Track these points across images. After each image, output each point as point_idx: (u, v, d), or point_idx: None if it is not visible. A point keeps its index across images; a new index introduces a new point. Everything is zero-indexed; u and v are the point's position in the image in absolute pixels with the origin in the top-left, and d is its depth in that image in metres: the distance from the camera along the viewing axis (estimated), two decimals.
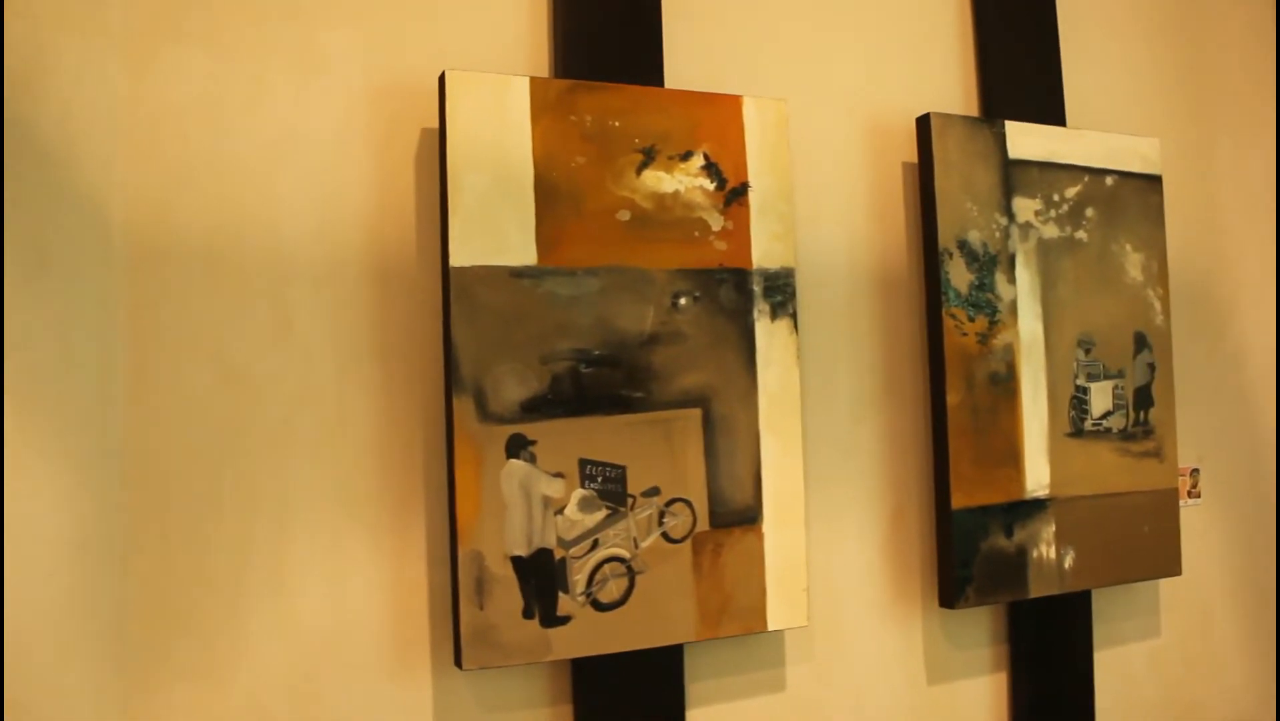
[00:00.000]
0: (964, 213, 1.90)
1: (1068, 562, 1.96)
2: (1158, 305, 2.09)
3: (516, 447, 1.58)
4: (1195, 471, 2.25)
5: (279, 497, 1.54)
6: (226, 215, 1.54)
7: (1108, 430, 2.02)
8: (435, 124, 1.61)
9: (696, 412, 1.70)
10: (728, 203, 1.74)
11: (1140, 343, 2.07)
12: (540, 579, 1.59)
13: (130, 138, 1.49)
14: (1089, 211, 2.02)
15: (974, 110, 2.07)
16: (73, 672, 1.42)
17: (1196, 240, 2.31)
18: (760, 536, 1.73)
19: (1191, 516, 2.24)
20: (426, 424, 1.62)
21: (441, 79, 1.57)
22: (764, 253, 1.76)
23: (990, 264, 1.92)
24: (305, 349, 1.57)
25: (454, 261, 1.56)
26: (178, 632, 1.48)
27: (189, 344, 1.51)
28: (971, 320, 1.89)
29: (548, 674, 1.68)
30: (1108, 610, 2.12)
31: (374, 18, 1.64)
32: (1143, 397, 2.06)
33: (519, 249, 1.60)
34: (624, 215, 1.67)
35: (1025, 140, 1.97)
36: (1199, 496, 2.25)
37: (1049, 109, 2.07)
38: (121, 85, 1.49)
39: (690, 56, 1.83)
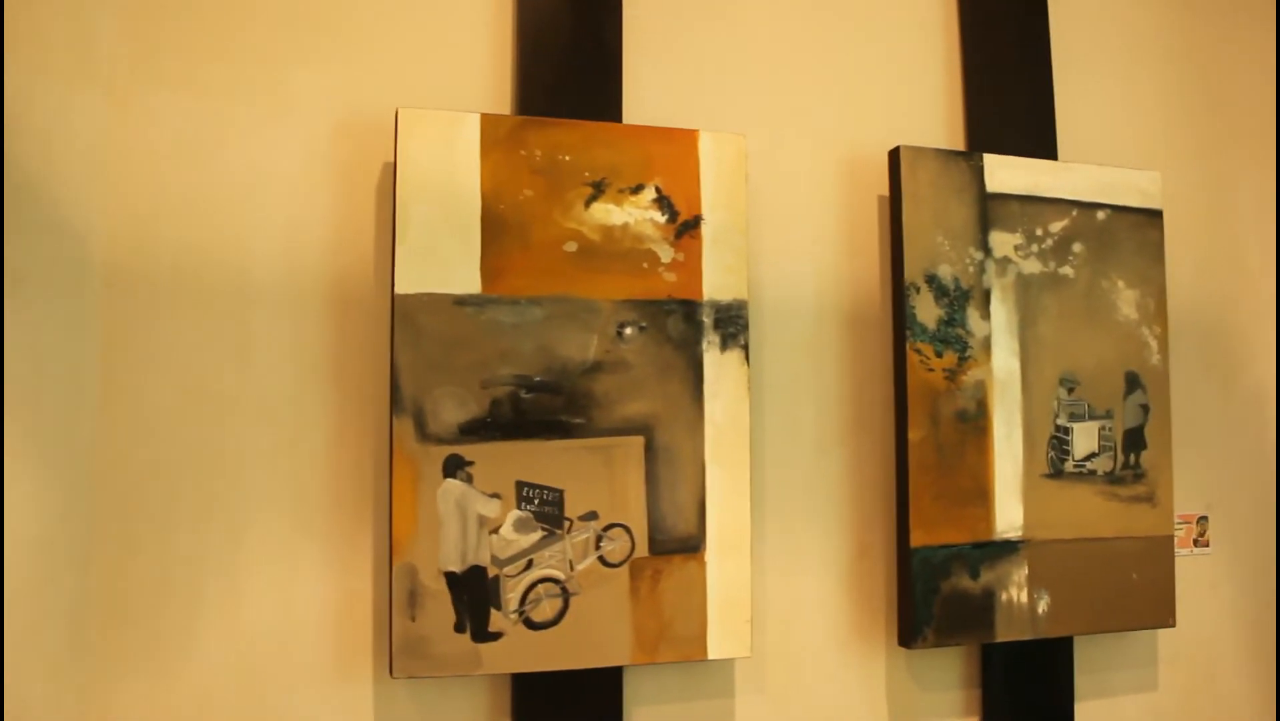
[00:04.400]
0: (934, 246, 1.87)
1: (1042, 607, 1.90)
2: (1154, 344, 2.01)
3: (454, 467, 1.65)
4: (1203, 519, 2.15)
5: (235, 508, 1.65)
6: (196, 244, 1.66)
7: (1092, 472, 1.95)
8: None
9: (638, 440, 1.73)
10: (679, 235, 1.77)
11: (1133, 383, 1.99)
12: (473, 595, 1.65)
13: (110, 171, 1.63)
14: (1076, 246, 1.96)
15: (960, 143, 2.04)
16: (30, 662, 1.55)
17: (1208, 278, 2.20)
18: (703, 565, 1.75)
19: (1198, 566, 2.14)
20: (375, 443, 1.71)
21: (397, 115, 1.66)
22: (716, 284, 1.78)
23: (962, 299, 1.88)
24: (265, 370, 1.68)
25: (399, 289, 1.64)
26: (134, 631, 1.60)
27: (157, 362, 1.63)
28: (939, 355, 1.87)
29: (488, 687, 1.73)
30: (1096, 659, 2.04)
31: (342, 58, 1.75)
32: (1134, 440, 1.98)
33: (463, 278, 1.67)
34: (571, 246, 1.72)
35: (1005, 173, 1.93)
36: (1207, 546, 2.14)
37: (1040, 142, 2.03)
38: (103, 122, 1.63)
39: (652, 93, 1.87)
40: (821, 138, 1.97)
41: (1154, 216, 2.03)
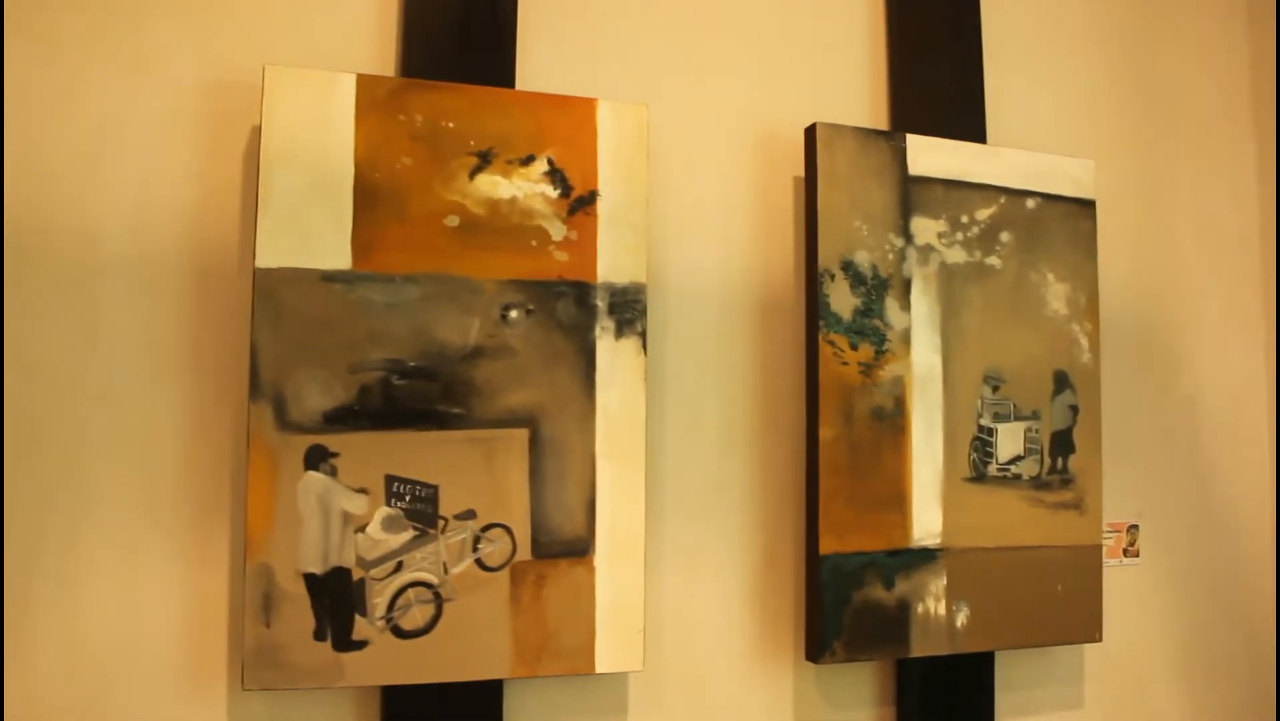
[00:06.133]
0: (850, 231, 1.75)
1: (961, 620, 1.78)
2: (1084, 341, 1.89)
3: (317, 459, 1.51)
4: (1133, 528, 2.03)
5: (74, 499, 1.49)
6: (35, 207, 1.50)
7: (1017, 476, 1.83)
8: None
9: (523, 433, 1.59)
10: (572, 211, 1.63)
11: (1061, 382, 1.87)
12: (335, 599, 1.50)
13: None
14: (1004, 235, 1.85)
15: (883, 123, 1.92)
16: None
17: (1144, 274, 2.10)
18: (591, 570, 1.61)
19: (1128, 577, 2.02)
20: (234, 431, 1.56)
21: (264, 73, 1.51)
22: (611, 266, 1.64)
23: (880, 288, 1.76)
24: (111, 348, 1.53)
25: (260, 262, 1.49)
26: None
27: None
28: (854, 348, 1.74)
29: (355, 700, 1.59)
30: (1017, 676, 1.92)
31: (211, 9, 1.60)
32: (1062, 443, 1.87)
33: (332, 252, 1.53)
34: (452, 221, 1.58)
35: (930, 156, 1.81)
36: (1137, 555, 2.03)
37: (968, 124, 1.91)
38: None
39: (550, 59, 1.74)
40: (734, 112, 1.84)
41: (1086, 206, 1.92)
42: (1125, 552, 2.02)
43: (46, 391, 1.49)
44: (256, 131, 1.59)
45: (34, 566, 1.47)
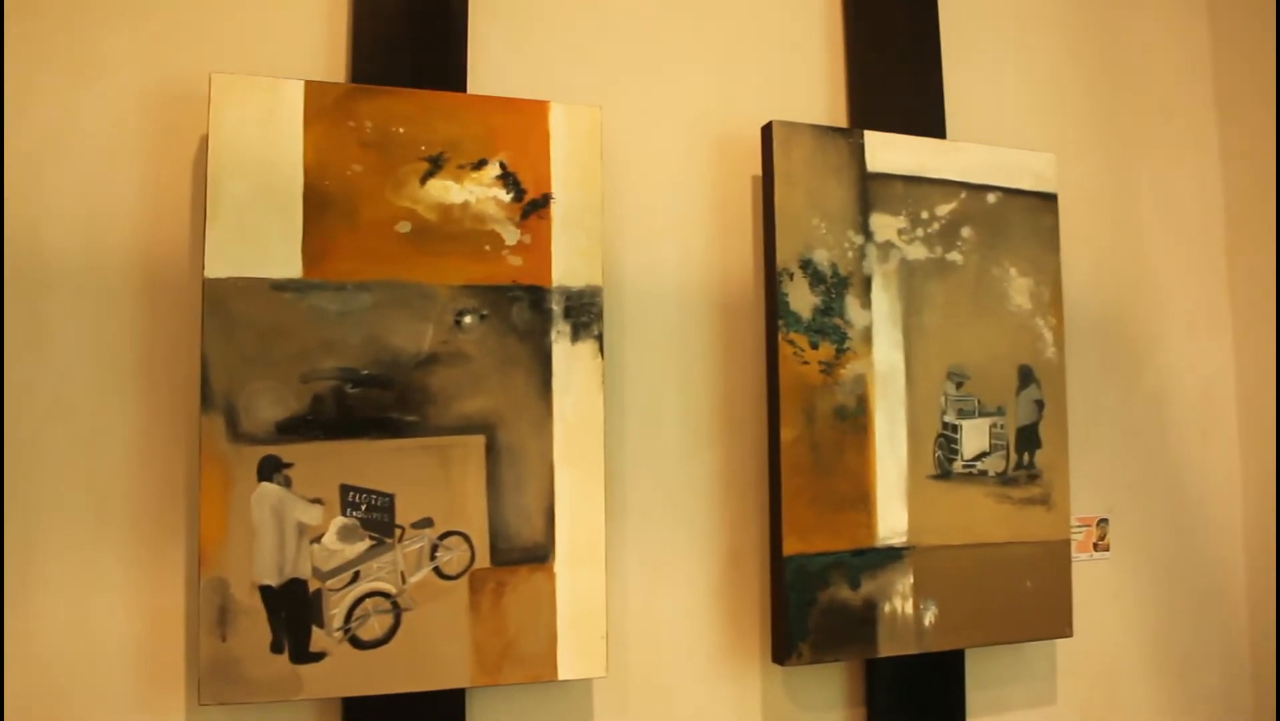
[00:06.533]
0: (809, 230, 1.74)
1: (928, 619, 1.77)
2: (1049, 336, 1.88)
3: (270, 470, 1.49)
4: (1103, 522, 2.02)
5: (23, 515, 1.48)
6: None
7: (983, 473, 1.82)
8: None
9: (479, 440, 1.58)
10: (525, 215, 1.62)
11: (1026, 377, 1.86)
12: (291, 611, 1.48)
13: None
14: (965, 231, 1.84)
15: (842, 120, 1.90)
16: None
17: (1109, 267, 2.08)
18: (551, 576, 1.60)
19: (1097, 572, 2.01)
20: (189, 443, 1.54)
21: (210, 81, 1.50)
22: (566, 269, 1.63)
23: (840, 286, 1.75)
24: (61, 359, 1.51)
25: (209, 272, 1.48)
26: None
27: None
28: (814, 347, 1.73)
29: (315, 713, 1.57)
30: (988, 673, 1.91)
31: (159, 17, 1.58)
32: (1027, 438, 1.86)
33: (282, 260, 1.51)
34: (404, 227, 1.57)
35: (888, 153, 1.79)
36: (1108, 550, 2.02)
37: (928, 120, 1.90)
38: None
39: (502, 62, 1.73)
40: (690, 112, 1.83)
41: (1049, 200, 1.91)
42: (1095, 547, 2.01)
43: None
44: (206, 140, 1.57)
45: None
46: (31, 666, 1.46)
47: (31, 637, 1.46)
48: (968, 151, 1.86)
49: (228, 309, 1.48)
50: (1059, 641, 1.95)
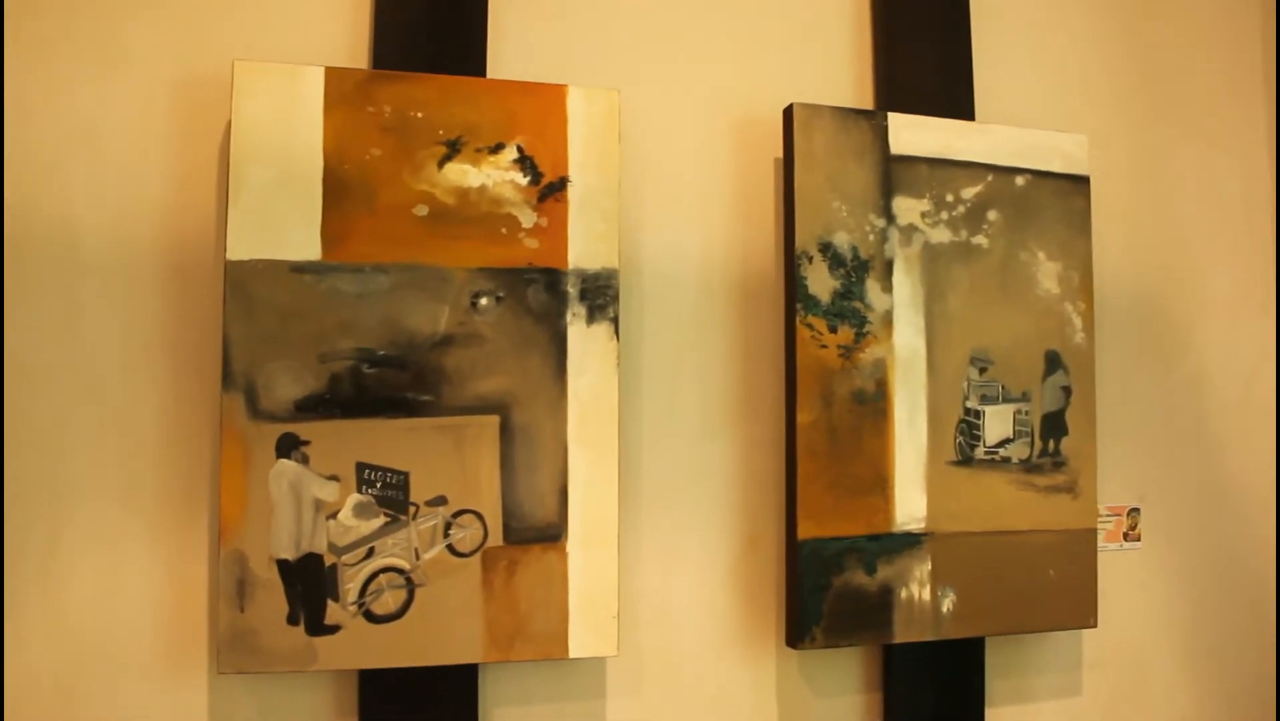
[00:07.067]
0: (829, 212, 1.72)
1: (947, 606, 1.75)
2: (1078, 321, 1.85)
3: (288, 447, 1.53)
4: (1134, 511, 1.98)
5: (57, 490, 1.54)
6: (18, 206, 1.54)
7: (1006, 460, 1.80)
8: None
9: (493, 420, 1.60)
10: (542, 198, 1.63)
11: (1053, 363, 1.83)
12: (307, 584, 1.52)
13: None
14: (991, 214, 1.81)
15: (868, 102, 1.88)
16: None
17: (1143, 251, 2.03)
18: (564, 556, 1.62)
19: (1128, 562, 1.97)
20: (210, 421, 1.59)
21: (233, 69, 1.53)
22: (583, 252, 1.64)
23: (861, 269, 1.73)
24: (92, 342, 1.57)
25: (231, 255, 1.52)
26: None
27: None
28: (833, 331, 1.72)
29: (332, 684, 1.61)
30: (1010, 663, 1.89)
31: (183, 7, 1.62)
32: (1053, 425, 1.82)
33: (302, 244, 1.55)
34: (421, 210, 1.59)
35: (912, 134, 1.77)
36: (1138, 540, 1.98)
37: (956, 102, 1.87)
38: None
39: (522, 46, 1.74)
40: (712, 95, 1.82)
41: (1080, 183, 1.87)
42: (1125, 537, 1.97)
43: (29, 387, 1.53)
44: (229, 126, 1.61)
45: (19, 558, 1.51)
46: (65, 638, 1.52)
47: (65, 611, 1.52)
48: (995, 133, 1.82)
49: (249, 291, 1.52)
50: (1086, 632, 1.92)
